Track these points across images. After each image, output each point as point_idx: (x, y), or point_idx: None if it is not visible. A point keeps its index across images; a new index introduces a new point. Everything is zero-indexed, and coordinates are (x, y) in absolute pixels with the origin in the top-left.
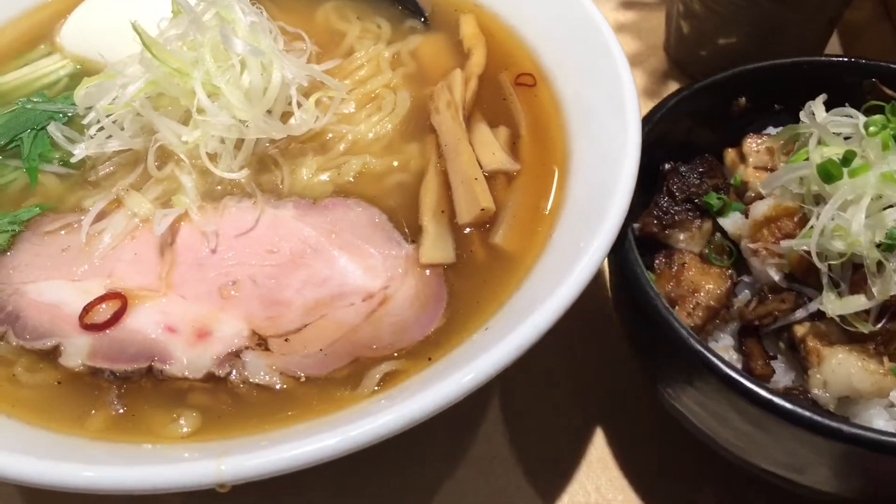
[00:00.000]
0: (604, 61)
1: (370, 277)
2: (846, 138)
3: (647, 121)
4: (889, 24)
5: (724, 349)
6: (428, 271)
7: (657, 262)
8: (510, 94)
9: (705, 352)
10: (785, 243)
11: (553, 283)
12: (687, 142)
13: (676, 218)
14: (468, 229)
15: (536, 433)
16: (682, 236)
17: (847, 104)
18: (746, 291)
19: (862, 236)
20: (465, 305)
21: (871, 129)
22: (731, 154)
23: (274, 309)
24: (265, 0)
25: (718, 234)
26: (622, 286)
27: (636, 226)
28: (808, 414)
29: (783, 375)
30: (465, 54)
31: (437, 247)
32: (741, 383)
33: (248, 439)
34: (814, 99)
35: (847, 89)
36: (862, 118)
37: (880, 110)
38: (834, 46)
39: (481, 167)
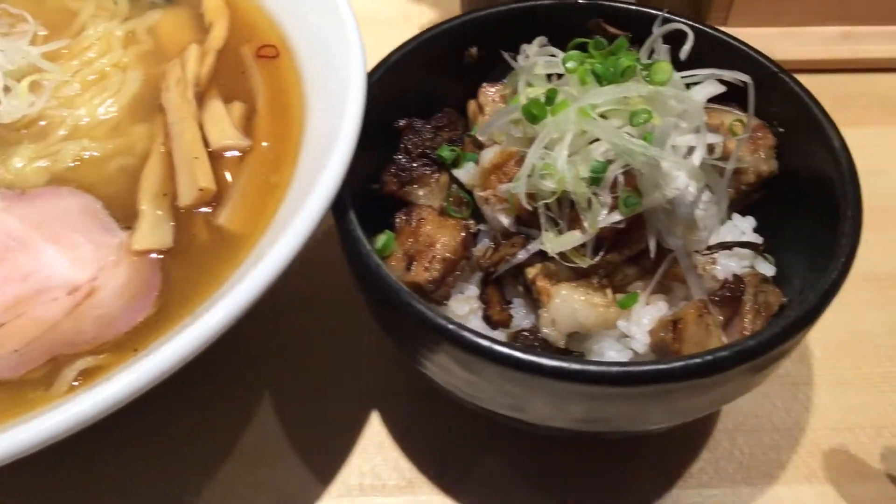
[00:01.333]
0: (335, 26)
1: (78, 269)
2: (560, 76)
3: (370, 77)
4: None
5: (466, 300)
6: (142, 258)
7: (397, 219)
8: (250, 67)
9: (416, 303)
10: (503, 187)
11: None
12: (431, 96)
13: (414, 174)
14: (192, 213)
15: (307, 418)
16: (421, 192)
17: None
18: (486, 240)
19: (567, 173)
20: (180, 292)
21: (569, 65)
22: (472, 105)
23: None
24: None
25: (455, 186)
26: (344, 248)
27: (376, 186)
28: (513, 353)
29: (523, 319)
30: (206, 29)
31: (152, 232)
32: (452, 330)
33: None
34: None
35: (589, 32)
36: (562, 56)
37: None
38: None
39: (209, 145)
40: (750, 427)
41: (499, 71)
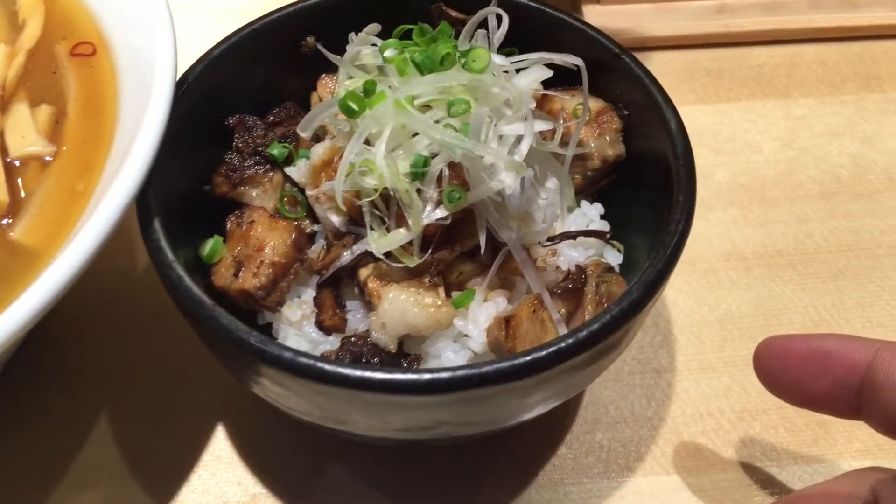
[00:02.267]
0: (149, 16)
1: None
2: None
3: (192, 71)
4: None
5: (300, 305)
6: None
7: (229, 223)
8: (62, 67)
9: (219, 317)
10: (325, 186)
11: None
12: (271, 91)
13: (246, 174)
14: None
15: (146, 438)
16: (254, 192)
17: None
18: (322, 241)
19: (385, 169)
20: None
21: (387, 53)
22: (314, 98)
23: None
24: None
25: (289, 185)
26: (151, 259)
27: (208, 188)
28: (315, 364)
29: (360, 322)
30: (21, 27)
31: None
32: (253, 344)
33: None
34: None
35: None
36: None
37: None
38: None
39: (8, 154)
40: (610, 419)
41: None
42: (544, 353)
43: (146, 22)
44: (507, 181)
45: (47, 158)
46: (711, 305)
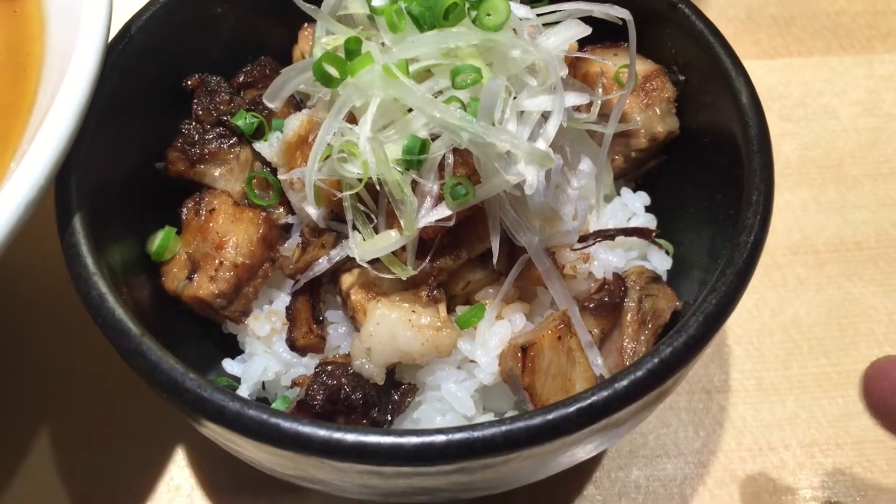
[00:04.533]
0: None
1: None
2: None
3: (139, 17)
4: None
5: (269, 316)
6: None
7: (184, 211)
8: None
9: (148, 352)
10: (296, 172)
11: None
12: (243, 43)
13: (207, 149)
14: None
15: (97, 467)
16: (217, 172)
17: None
18: (298, 236)
19: (369, 154)
20: None
21: (375, 2)
22: (296, 53)
23: None
24: None
25: (260, 164)
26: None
27: (161, 165)
28: (267, 420)
29: (343, 339)
30: None
31: None
32: (188, 390)
33: None
34: None
35: None
36: None
37: None
38: None
39: None
40: (649, 452)
41: None
42: (571, 409)
43: None
44: (528, 175)
45: None
46: (774, 310)
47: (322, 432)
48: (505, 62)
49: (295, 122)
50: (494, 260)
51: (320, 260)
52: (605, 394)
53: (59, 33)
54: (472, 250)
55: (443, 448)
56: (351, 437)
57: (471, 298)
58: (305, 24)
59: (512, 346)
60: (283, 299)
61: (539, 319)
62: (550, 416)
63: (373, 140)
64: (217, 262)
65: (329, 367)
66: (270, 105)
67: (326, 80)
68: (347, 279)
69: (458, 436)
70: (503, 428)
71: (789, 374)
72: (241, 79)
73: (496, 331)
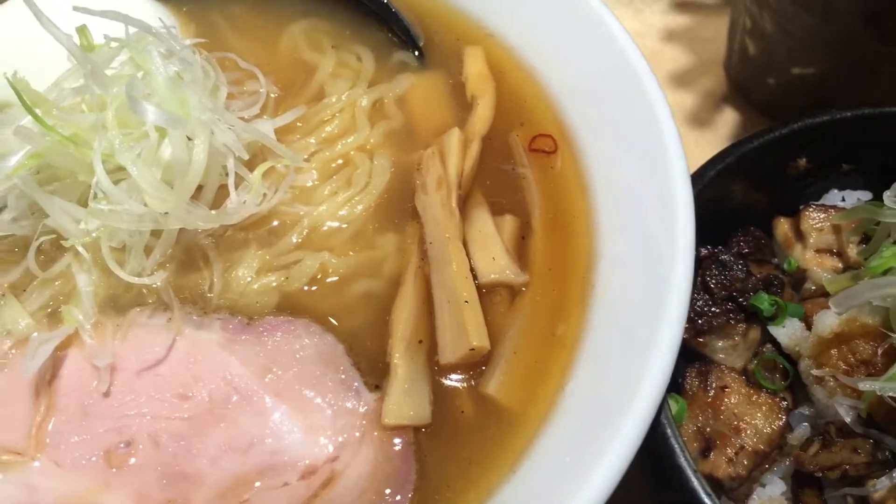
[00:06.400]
0: (643, 122)
1: (313, 442)
2: None
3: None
4: None
5: (770, 502)
6: (390, 438)
7: (688, 381)
8: (522, 165)
9: None
10: (864, 384)
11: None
12: (728, 209)
13: (714, 322)
14: (452, 376)
15: None
16: (720, 345)
17: None
18: (805, 425)
19: None
20: (441, 489)
21: None
22: (783, 226)
23: (177, 488)
24: (220, 19)
25: (769, 346)
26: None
27: None
28: None
29: None
30: (467, 103)
31: (407, 400)
32: None
33: None
34: None
35: None
36: None
37: None
38: None
39: (477, 278)
40: None
41: (820, 184)
42: None
43: (636, 127)
44: None
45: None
46: None
47: None
48: None
49: (831, 321)
50: None
51: (880, 480)
52: None
53: (604, 192)
54: None
55: None
56: None
57: None
58: (811, 205)
59: None
60: (775, 483)
61: None
62: None
63: None
64: (737, 445)
65: None
66: (835, 309)
67: None
68: (881, 494)
69: None
70: None
71: None
72: (735, 248)
73: None
